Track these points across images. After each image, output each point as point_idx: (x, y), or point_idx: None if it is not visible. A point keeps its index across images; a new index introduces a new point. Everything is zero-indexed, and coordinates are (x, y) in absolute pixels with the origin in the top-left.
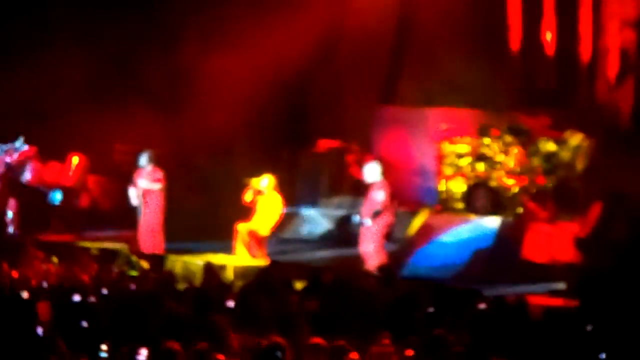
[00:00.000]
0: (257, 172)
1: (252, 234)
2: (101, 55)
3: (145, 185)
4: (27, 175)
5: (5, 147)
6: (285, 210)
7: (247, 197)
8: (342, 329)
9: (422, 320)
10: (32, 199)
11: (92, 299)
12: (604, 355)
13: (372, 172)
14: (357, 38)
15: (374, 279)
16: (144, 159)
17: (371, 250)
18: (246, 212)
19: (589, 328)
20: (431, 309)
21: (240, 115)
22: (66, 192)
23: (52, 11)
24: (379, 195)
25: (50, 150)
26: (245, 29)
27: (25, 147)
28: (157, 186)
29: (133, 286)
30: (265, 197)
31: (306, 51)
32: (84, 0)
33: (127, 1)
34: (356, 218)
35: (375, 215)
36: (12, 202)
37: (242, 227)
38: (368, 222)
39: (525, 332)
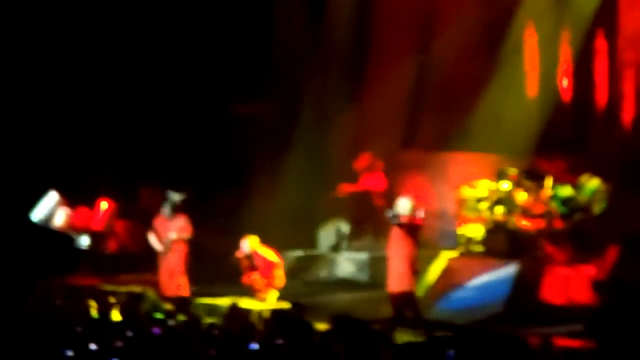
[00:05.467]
0: (282, 216)
1: (262, 284)
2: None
3: (173, 237)
4: (57, 221)
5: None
6: (308, 253)
7: (244, 264)
8: None
9: None
10: (62, 244)
11: (119, 342)
12: None
13: (404, 205)
14: (380, 83)
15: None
16: (167, 208)
17: (399, 288)
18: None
19: None
20: (452, 352)
21: (265, 158)
22: (94, 236)
23: None
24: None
25: (79, 195)
26: None
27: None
28: (185, 235)
29: (158, 329)
30: (258, 256)
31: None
32: None
33: None
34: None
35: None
36: None
37: (249, 280)
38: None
39: None
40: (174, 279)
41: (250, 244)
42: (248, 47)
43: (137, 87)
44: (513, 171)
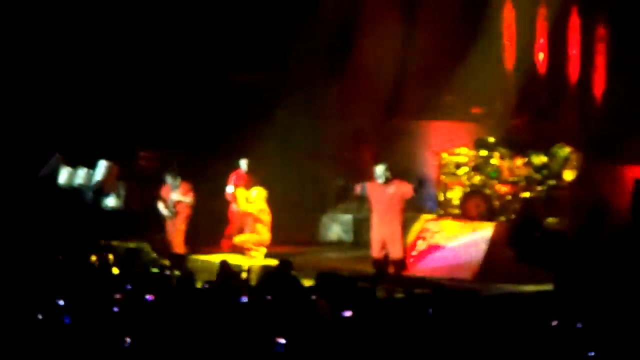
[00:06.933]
0: (274, 180)
1: (251, 242)
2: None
3: (177, 198)
4: (61, 179)
5: None
6: (297, 214)
7: (240, 205)
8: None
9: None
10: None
11: (118, 295)
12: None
13: (380, 172)
14: (366, 55)
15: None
16: (170, 177)
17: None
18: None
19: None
20: (430, 309)
21: (257, 124)
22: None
23: None
24: (390, 190)
25: (81, 156)
26: None
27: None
28: (189, 199)
29: (155, 283)
30: (253, 206)
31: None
32: None
33: None
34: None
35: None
36: None
37: (238, 239)
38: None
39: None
40: (177, 237)
41: (258, 194)
42: (243, 20)
43: (137, 54)
44: (490, 139)
